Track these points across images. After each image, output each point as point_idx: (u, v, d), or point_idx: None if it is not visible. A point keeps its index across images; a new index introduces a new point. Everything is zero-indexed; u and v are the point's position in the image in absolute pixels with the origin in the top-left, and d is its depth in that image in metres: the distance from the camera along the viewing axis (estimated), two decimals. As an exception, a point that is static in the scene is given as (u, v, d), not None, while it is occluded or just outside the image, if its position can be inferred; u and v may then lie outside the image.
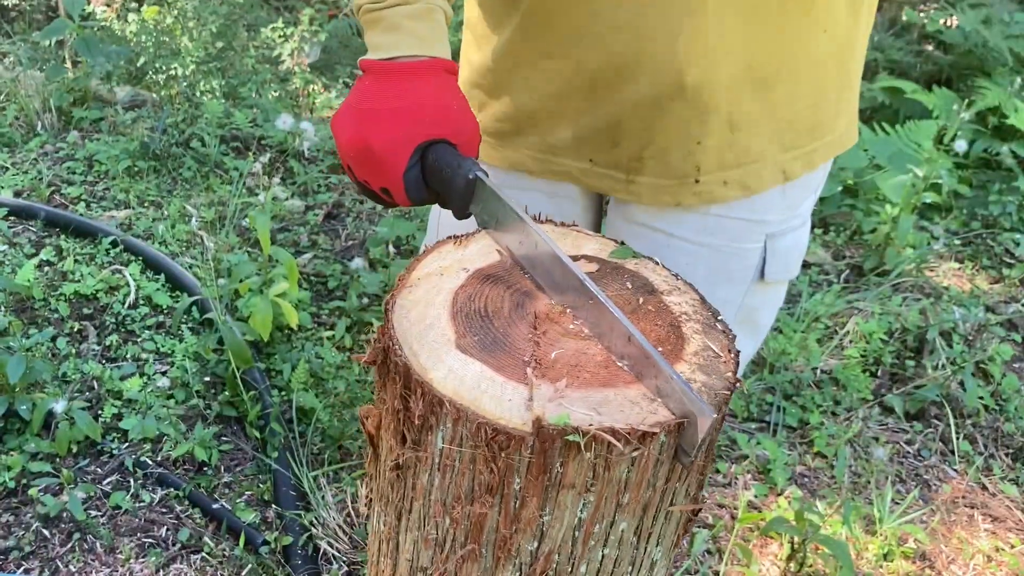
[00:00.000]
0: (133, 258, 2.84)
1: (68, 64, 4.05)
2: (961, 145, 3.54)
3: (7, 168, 3.31)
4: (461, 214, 1.08)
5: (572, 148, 1.28)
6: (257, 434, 2.25)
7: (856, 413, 2.66)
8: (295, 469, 2.14)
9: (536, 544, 0.89)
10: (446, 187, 1.05)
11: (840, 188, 3.74)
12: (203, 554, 1.97)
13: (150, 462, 2.15)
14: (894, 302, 3.11)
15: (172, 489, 2.10)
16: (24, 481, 2.05)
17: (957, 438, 2.61)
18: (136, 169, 3.37)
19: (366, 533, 2.02)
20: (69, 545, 1.95)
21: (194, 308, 2.61)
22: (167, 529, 2.02)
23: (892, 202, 3.49)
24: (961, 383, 2.72)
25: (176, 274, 2.74)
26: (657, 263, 1.08)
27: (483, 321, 0.93)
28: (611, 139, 1.24)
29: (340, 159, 1.11)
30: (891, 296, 3.19)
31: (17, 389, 2.11)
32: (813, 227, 3.64)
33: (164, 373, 2.41)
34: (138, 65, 4.21)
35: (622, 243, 1.12)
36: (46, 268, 2.75)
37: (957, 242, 3.66)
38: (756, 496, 2.33)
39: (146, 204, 3.22)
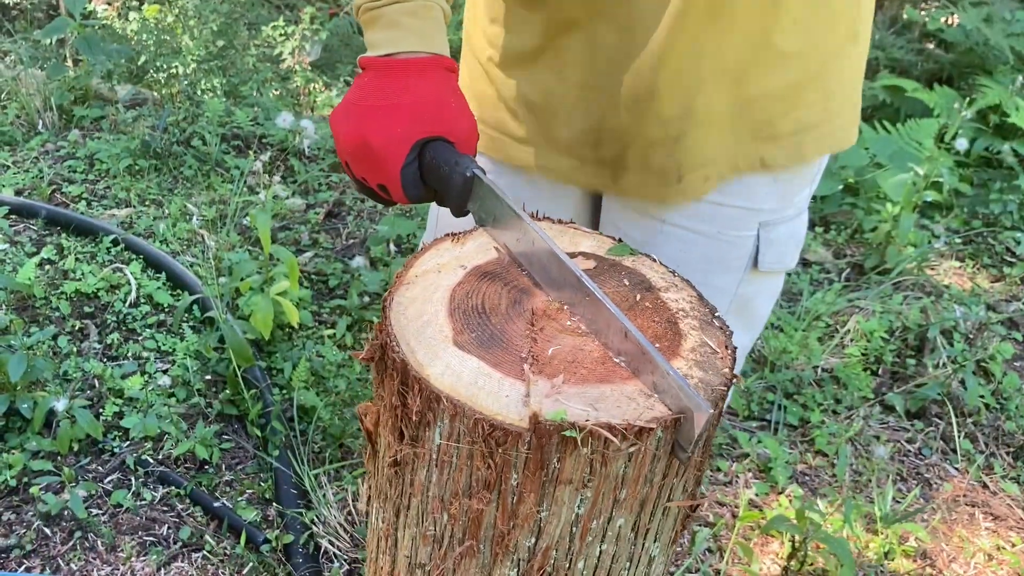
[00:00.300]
0: (134, 256, 2.84)
1: (69, 63, 4.05)
2: (962, 143, 3.54)
3: (8, 166, 3.31)
4: (458, 212, 1.08)
5: (564, 146, 1.29)
6: (258, 432, 2.25)
7: (857, 411, 2.66)
8: (296, 467, 2.14)
9: (534, 540, 0.89)
10: (443, 184, 1.06)
11: (841, 186, 3.74)
12: (204, 552, 1.97)
13: (151, 460, 2.15)
14: (895, 300, 3.11)
15: (173, 487, 2.10)
16: (25, 479, 2.05)
17: (958, 437, 2.61)
18: (137, 167, 3.37)
19: (367, 531, 2.02)
20: (70, 543, 1.95)
21: (195, 307, 2.62)
22: (168, 527, 2.02)
23: (893, 200, 3.49)
24: (962, 381, 2.72)
25: (177, 272, 2.74)
26: (655, 260, 1.09)
27: (480, 318, 0.93)
28: (595, 138, 1.25)
29: (338, 156, 1.11)
30: (892, 295, 3.18)
31: (18, 387, 2.11)
32: (814, 225, 3.64)
33: (165, 371, 2.41)
34: (139, 64, 4.21)
35: (619, 240, 1.13)
36: (47, 267, 2.75)
37: (958, 240, 3.66)
38: (757, 494, 2.33)
39: (147, 202, 3.22)
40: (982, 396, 2.71)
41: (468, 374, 0.86)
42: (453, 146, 1.07)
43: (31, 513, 1.99)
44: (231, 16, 4.88)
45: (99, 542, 1.96)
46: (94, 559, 1.93)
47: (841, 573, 1.89)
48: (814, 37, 1.18)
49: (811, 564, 2.05)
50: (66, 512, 2.00)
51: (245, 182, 3.33)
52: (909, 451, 2.58)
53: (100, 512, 2.03)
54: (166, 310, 2.65)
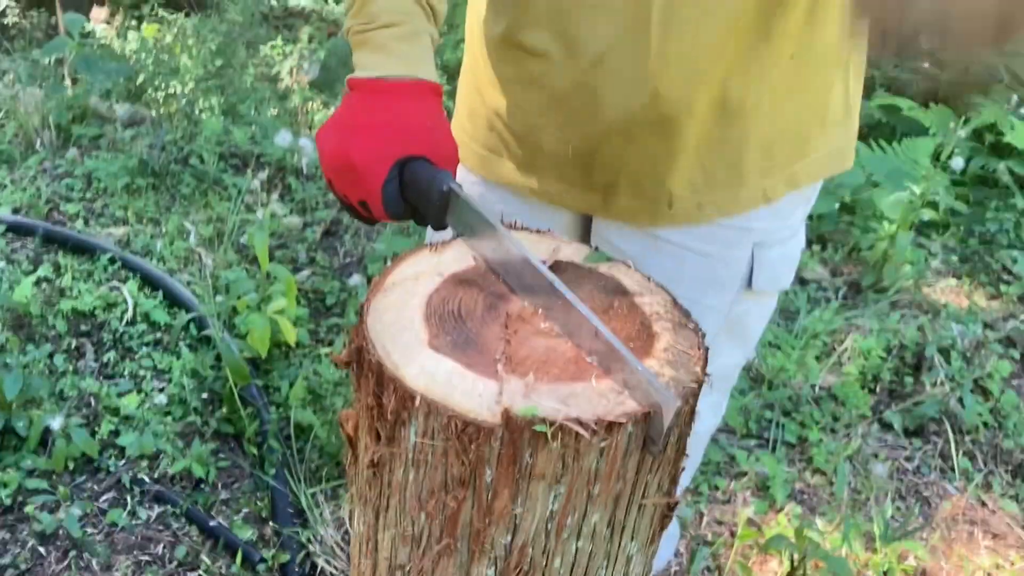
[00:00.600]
0: (131, 275, 2.84)
1: (68, 81, 4.06)
2: (958, 162, 3.55)
3: (6, 185, 3.31)
4: (438, 225, 1.10)
5: (555, 170, 1.31)
6: (255, 451, 2.24)
7: (855, 430, 2.66)
8: (292, 486, 2.13)
9: (510, 537, 0.90)
10: (422, 200, 1.08)
11: (837, 205, 3.74)
12: (200, 571, 1.96)
13: (147, 479, 2.15)
14: (892, 319, 3.11)
15: (169, 506, 2.09)
16: (20, 498, 2.04)
17: (956, 455, 2.60)
18: (135, 186, 3.37)
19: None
20: (65, 563, 1.94)
21: (192, 325, 2.61)
22: (164, 546, 2.01)
23: (890, 219, 3.50)
24: (960, 400, 2.72)
25: (174, 291, 2.74)
26: (630, 266, 1.11)
27: (456, 322, 0.95)
28: (585, 163, 1.27)
29: (323, 173, 1.12)
30: (889, 313, 3.19)
31: (14, 405, 2.11)
32: (811, 243, 3.64)
33: (162, 390, 2.40)
34: (137, 83, 4.23)
35: (596, 248, 1.14)
36: (44, 284, 2.75)
37: (955, 259, 3.67)
38: (755, 513, 2.32)
39: (144, 221, 3.22)
40: (980, 414, 2.71)
41: (442, 374, 0.87)
42: (433, 165, 1.08)
43: (26, 532, 1.98)
44: (229, 35, 4.91)
45: (94, 561, 1.95)
46: (89, 579, 1.92)
47: (840, 592, 1.88)
48: (813, 69, 1.20)
49: (810, 583, 2.04)
50: (61, 531, 1.98)
51: (243, 200, 3.34)
52: (907, 469, 2.57)
53: (95, 531, 2.02)
54: (163, 328, 2.64)
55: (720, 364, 1.26)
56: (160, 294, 2.76)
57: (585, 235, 1.43)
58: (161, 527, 2.06)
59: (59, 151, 3.60)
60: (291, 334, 2.36)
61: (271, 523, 2.09)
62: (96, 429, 2.24)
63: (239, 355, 2.31)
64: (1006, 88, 4.33)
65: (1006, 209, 3.86)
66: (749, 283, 1.32)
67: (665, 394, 0.82)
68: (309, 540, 2.00)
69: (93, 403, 2.33)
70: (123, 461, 2.19)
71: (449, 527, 0.91)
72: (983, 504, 2.48)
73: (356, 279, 2.82)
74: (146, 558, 1.98)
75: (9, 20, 5.22)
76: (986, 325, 3.17)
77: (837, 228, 3.77)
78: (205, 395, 2.42)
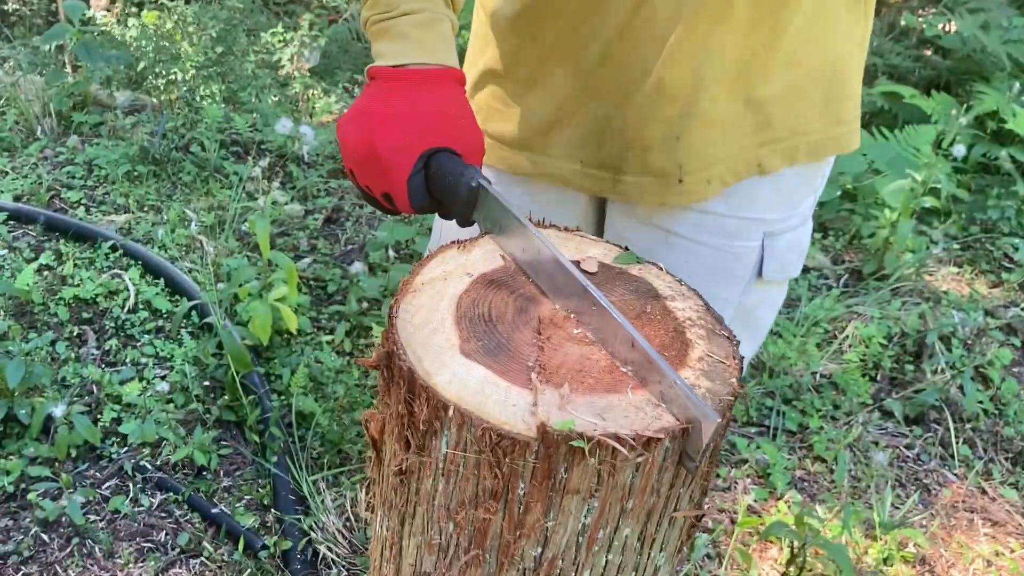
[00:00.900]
0: (132, 262, 2.84)
1: (68, 69, 4.06)
2: (960, 150, 3.55)
3: (7, 172, 3.31)
4: (464, 222, 1.08)
5: (564, 150, 1.29)
6: (256, 438, 2.24)
7: (856, 417, 2.66)
8: (294, 473, 2.14)
9: (540, 550, 0.88)
10: (449, 195, 1.05)
11: (839, 192, 3.74)
12: (202, 558, 1.97)
13: (149, 466, 2.15)
14: (893, 306, 3.12)
15: (171, 493, 2.10)
16: (23, 485, 2.05)
17: (956, 442, 2.61)
18: (136, 173, 3.37)
19: (366, 537, 2.02)
20: (68, 550, 1.95)
21: (193, 312, 2.61)
22: (166, 533, 2.02)
23: (891, 207, 3.49)
24: (960, 387, 2.73)
25: (175, 278, 2.74)
26: (661, 268, 1.08)
27: (487, 326, 0.93)
28: (597, 140, 1.25)
29: (344, 163, 1.11)
30: (890, 300, 3.19)
31: (16, 393, 2.11)
32: (812, 231, 3.64)
33: (163, 377, 2.41)
34: (138, 70, 4.22)
35: (626, 248, 1.12)
36: (45, 272, 2.75)
37: (956, 246, 3.66)
38: (756, 500, 2.33)
39: (146, 208, 3.22)
40: (980, 402, 2.71)
41: (475, 383, 0.85)
42: (460, 157, 1.07)
43: (29, 519, 1.99)
44: (230, 22, 4.89)
45: (97, 548, 1.96)
46: (92, 565, 1.92)
47: (840, 579, 1.89)
48: (819, 43, 1.19)
49: (810, 570, 2.04)
50: (64, 518, 1.99)
51: (244, 188, 3.33)
52: (908, 457, 2.58)
53: (98, 518, 2.03)
54: (164, 316, 2.64)
55: None
56: (161, 282, 2.76)
57: (598, 230, 1.43)
58: (163, 514, 2.06)
59: (60, 139, 3.60)
60: (292, 322, 2.37)
61: (273, 510, 2.10)
62: (98, 417, 2.25)
63: (240, 343, 2.31)
64: (1008, 75, 4.32)
65: (1007, 197, 3.85)
66: (760, 273, 1.31)
67: (705, 409, 0.79)
68: (311, 527, 2.01)
69: (95, 391, 2.33)
70: (125, 449, 2.19)
71: (478, 538, 0.89)
72: (983, 492, 2.48)
73: (357, 266, 2.82)
74: (148, 545, 1.99)
75: (9, 7, 5.21)
76: (987, 313, 3.17)
77: (838, 215, 3.77)
78: (207, 383, 2.42)
